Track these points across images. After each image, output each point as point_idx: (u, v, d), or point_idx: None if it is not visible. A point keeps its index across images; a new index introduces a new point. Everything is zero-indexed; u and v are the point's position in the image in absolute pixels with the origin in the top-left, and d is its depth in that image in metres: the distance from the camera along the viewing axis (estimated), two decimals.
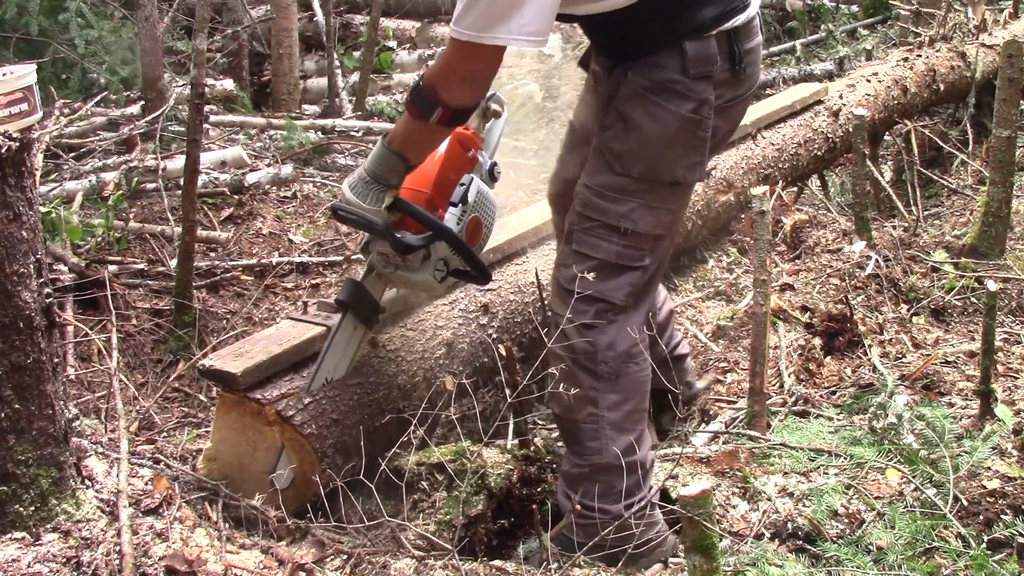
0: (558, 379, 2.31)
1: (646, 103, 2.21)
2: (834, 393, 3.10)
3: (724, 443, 2.79)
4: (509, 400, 2.56)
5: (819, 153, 4.75)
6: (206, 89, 4.07)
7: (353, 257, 4.64)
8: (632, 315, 2.33)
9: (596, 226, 2.29)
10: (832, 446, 2.63)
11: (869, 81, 5.29)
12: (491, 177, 2.55)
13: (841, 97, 5.00)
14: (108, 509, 1.98)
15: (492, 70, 2.17)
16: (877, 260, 3.78)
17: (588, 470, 2.33)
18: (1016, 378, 3.16)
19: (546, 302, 3.00)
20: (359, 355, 2.54)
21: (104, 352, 2.99)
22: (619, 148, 2.26)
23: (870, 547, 2.21)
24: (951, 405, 2.94)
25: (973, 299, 3.75)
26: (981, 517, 2.34)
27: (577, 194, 2.34)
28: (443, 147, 2.41)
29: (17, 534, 1.87)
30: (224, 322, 4.07)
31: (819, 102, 4.89)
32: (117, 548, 1.90)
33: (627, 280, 2.30)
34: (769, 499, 2.42)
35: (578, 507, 2.30)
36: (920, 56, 5.69)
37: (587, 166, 2.33)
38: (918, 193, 5.02)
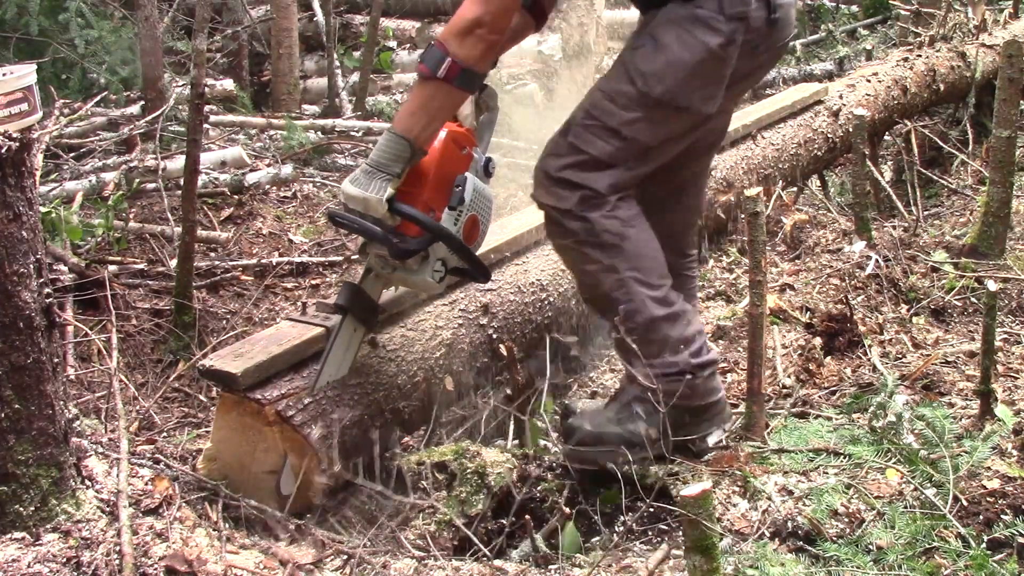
0: (574, 267, 2.48)
1: (679, 30, 2.35)
2: (834, 393, 3.10)
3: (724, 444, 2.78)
4: (509, 399, 2.57)
5: (819, 153, 4.75)
6: (206, 89, 4.07)
7: (353, 257, 4.64)
8: (614, 203, 2.44)
9: (597, 126, 2.41)
10: (830, 444, 2.63)
11: (869, 81, 5.29)
12: (486, 173, 2.57)
13: (841, 97, 5.00)
14: (108, 509, 1.98)
15: (502, 22, 2.27)
16: (877, 260, 3.78)
17: (639, 331, 2.42)
18: (1016, 378, 3.16)
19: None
20: (360, 355, 2.55)
21: (104, 352, 3.00)
22: (645, 67, 2.38)
23: (870, 547, 2.21)
24: (951, 405, 2.94)
25: (973, 299, 3.74)
26: (981, 517, 2.34)
27: (589, 94, 2.45)
28: (438, 145, 2.41)
29: (17, 534, 1.87)
30: (224, 322, 4.07)
31: (819, 102, 4.89)
32: (117, 548, 1.90)
33: (611, 174, 2.42)
34: (769, 498, 2.42)
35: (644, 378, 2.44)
36: (920, 56, 5.69)
37: (605, 75, 2.47)
38: (918, 193, 5.02)
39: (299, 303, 4.14)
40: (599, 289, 2.44)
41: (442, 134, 2.42)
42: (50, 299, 1.89)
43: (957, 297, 3.76)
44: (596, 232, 2.41)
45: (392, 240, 2.32)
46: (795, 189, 4.94)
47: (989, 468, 2.51)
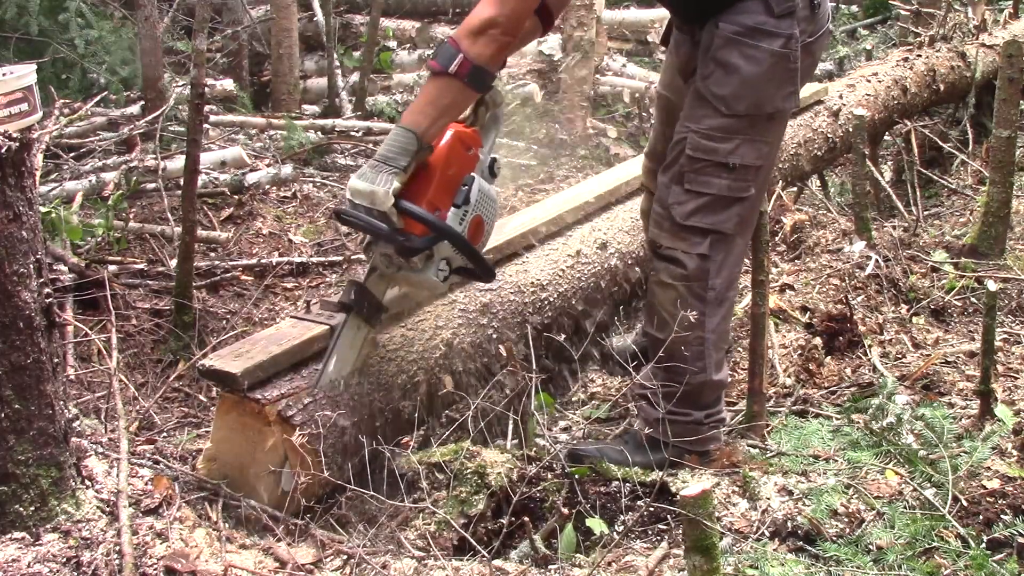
0: (667, 306, 2.57)
1: (740, 47, 2.45)
2: (834, 393, 3.10)
3: (724, 442, 2.79)
4: (509, 399, 2.57)
5: (819, 153, 4.75)
6: (206, 89, 4.07)
7: (353, 257, 4.64)
8: (739, 243, 2.62)
9: (706, 165, 2.51)
10: (830, 451, 2.63)
11: (869, 81, 5.28)
12: (491, 173, 2.58)
13: (841, 97, 5.00)
14: (108, 509, 1.99)
15: (517, 23, 2.35)
16: (877, 260, 3.78)
17: (687, 387, 2.56)
18: (1016, 378, 3.16)
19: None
20: (364, 354, 2.55)
21: (104, 352, 2.99)
22: (722, 91, 2.48)
23: (870, 547, 2.21)
24: (951, 405, 2.94)
25: (973, 299, 3.74)
26: (981, 517, 2.34)
27: (685, 139, 2.54)
28: (444, 146, 2.42)
29: (17, 534, 1.87)
30: (224, 322, 4.07)
31: (819, 102, 4.88)
32: (117, 548, 1.90)
33: (736, 211, 2.55)
34: (769, 499, 2.42)
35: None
36: (920, 56, 5.69)
37: (689, 114, 2.55)
38: (918, 193, 5.02)
39: (302, 302, 4.15)
40: (675, 336, 2.49)
41: (448, 134, 2.43)
42: (50, 299, 1.89)
43: (957, 297, 3.76)
44: (707, 286, 2.55)
45: (397, 238, 2.33)
46: (795, 189, 4.94)
47: (989, 468, 2.51)
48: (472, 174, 2.48)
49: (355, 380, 2.52)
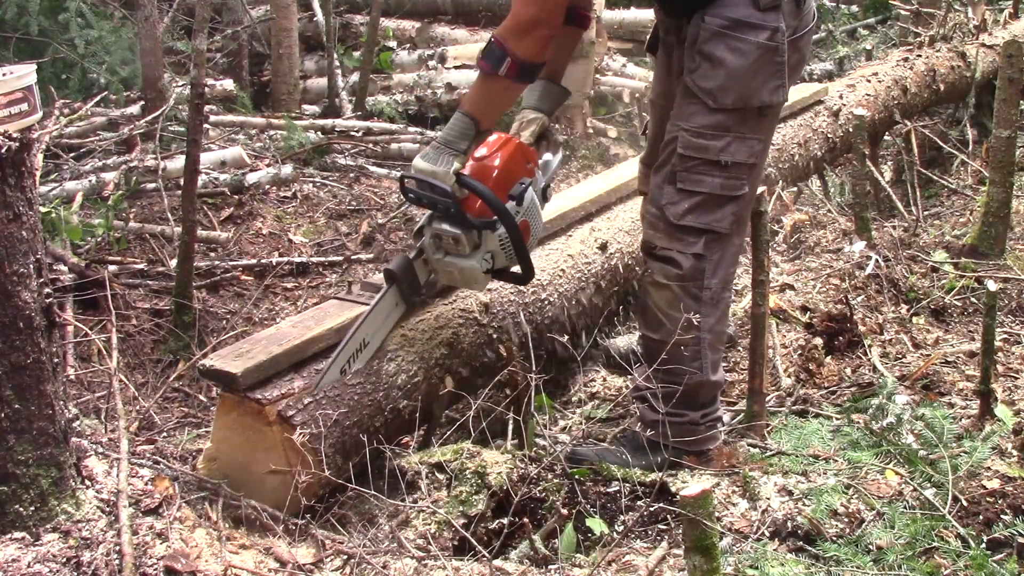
0: (661, 307, 2.58)
1: (726, 39, 2.45)
2: (834, 393, 3.10)
3: (724, 442, 2.78)
4: (509, 399, 2.57)
5: (819, 153, 4.75)
6: (206, 89, 4.07)
7: (353, 257, 4.64)
8: (734, 242, 2.60)
9: (698, 164, 2.51)
10: (830, 451, 2.63)
11: (869, 81, 5.28)
12: (543, 196, 2.73)
13: (841, 97, 5.00)
14: (108, 509, 1.98)
15: (557, 17, 2.43)
16: (877, 260, 3.78)
17: (684, 387, 2.56)
18: (1016, 378, 3.16)
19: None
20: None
21: (104, 352, 3.00)
22: (709, 85, 2.48)
23: (870, 547, 2.21)
24: (951, 405, 2.94)
25: (973, 299, 3.74)
26: (981, 517, 2.33)
27: (676, 138, 2.54)
28: (507, 148, 2.57)
29: (17, 534, 1.87)
30: (224, 322, 4.07)
31: (819, 102, 4.88)
32: (117, 548, 1.90)
33: (730, 210, 2.54)
34: (769, 499, 2.42)
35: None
36: (920, 56, 5.69)
37: (679, 112, 2.55)
38: (918, 193, 5.01)
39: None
40: (671, 336, 2.49)
41: (513, 143, 2.59)
42: (50, 299, 1.89)
43: (957, 297, 3.76)
44: (701, 286, 2.55)
45: (460, 206, 2.47)
46: (795, 189, 4.94)
47: (989, 468, 2.51)
48: (529, 179, 2.61)
49: (353, 381, 2.52)
